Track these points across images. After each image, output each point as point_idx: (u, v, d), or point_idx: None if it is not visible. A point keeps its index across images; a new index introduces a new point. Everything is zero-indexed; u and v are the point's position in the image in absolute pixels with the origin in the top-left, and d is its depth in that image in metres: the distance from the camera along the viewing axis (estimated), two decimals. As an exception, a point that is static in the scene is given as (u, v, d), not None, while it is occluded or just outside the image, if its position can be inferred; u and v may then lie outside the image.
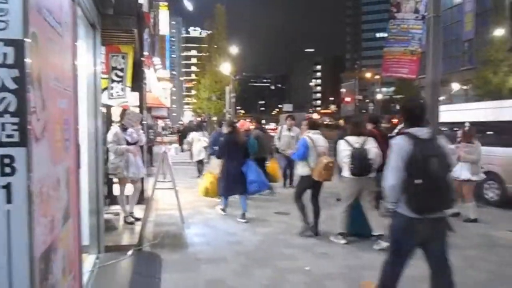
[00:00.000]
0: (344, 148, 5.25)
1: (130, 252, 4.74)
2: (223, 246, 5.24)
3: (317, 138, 5.83)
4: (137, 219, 5.83)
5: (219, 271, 4.36)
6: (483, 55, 33.68)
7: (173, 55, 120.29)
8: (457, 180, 6.69)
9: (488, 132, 9.17)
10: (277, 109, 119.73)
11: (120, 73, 5.78)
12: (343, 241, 5.36)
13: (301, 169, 5.88)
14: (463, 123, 7.61)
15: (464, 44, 45.49)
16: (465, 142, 6.81)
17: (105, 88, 5.69)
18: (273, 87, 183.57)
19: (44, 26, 1.96)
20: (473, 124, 9.27)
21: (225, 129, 7.26)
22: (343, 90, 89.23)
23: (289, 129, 9.46)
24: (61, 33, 2.30)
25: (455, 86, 39.01)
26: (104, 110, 5.80)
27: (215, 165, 7.60)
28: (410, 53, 10.69)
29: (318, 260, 4.71)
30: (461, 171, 6.70)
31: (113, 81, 5.81)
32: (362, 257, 4.82)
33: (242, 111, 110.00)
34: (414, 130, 3.12)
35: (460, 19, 45.80)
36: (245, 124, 8.78)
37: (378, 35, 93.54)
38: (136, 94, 7.04)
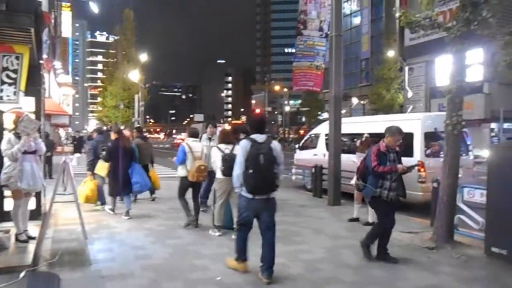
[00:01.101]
0: (216, 154, 6.18)
1: (22, 274, 4.26)
2: (130, 261, 4.97)
3: (195, 145, 6.87)
4: (31, 238, 5.25)
5: (125, 288, 4.13)
6: (377, 73, 37.20)
7: (76, 60, 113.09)
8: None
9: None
10: (188, 119, 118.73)
11: (12, 75, 5.23)
12: (218, 233, 6.23)
13: (180, 171, 6.85)
14: (362, 134, 8.26)
15: (362, 63, 49.84)
16: (362, 152, 7.40)
17: (-5, 91, 5.11)
18: (184, 97, 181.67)
19: None
20: (371, 135, 10.15)
21: (113, 136, 7.91)
22: (253, 101, 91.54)
23: (209, 138, 8.02)
24: None
25: (355, 101, 42.37)
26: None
27: (101, 168, 8.09)
28: (315, 68, 11.42)
29: (229, 270, 4.70)
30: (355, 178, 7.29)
31: (3, 83, 5.23)
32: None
33: (152, 120, 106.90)
34: (254, 136, 4.49)
35: (358, 39, 50.15)
36: (127, 133, 9.15)
37: (286, 50, 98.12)
38: (32, 99, 6.44)
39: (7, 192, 5.47)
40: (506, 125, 29.45)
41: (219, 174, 6.13)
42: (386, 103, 34.73)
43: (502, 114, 27.39)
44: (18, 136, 5.08)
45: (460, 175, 6.18)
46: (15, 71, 5.22)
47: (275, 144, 4.50)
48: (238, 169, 4.37)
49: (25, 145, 5.04)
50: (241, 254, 4.64)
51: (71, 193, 7.67)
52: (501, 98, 28.68)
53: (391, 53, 32.28)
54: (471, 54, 6.96)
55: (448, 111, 5.97)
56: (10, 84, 5.22)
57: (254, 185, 4.27)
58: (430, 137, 8.61)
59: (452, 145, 5.94)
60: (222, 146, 6.21)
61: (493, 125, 30.39)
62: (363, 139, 7.74)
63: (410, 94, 28.53)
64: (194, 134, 7.14)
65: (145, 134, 11.57)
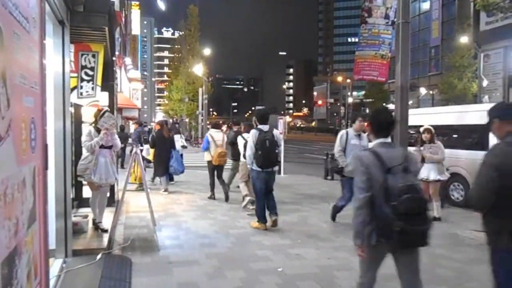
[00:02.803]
0: (240, 142, 7.54)
1: (99, 256, 4.61)
2: (195, 249, 5.18)
3: (216, 135, 8.46)
4: (104, 231, 5.43)
5: (191, 274, 4.31)
6: (448, 61, 34.91)
7: (144, 56, 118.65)
8: (425, 181, 6.89)
9: (454, 135, 9.51)
10: (250, 111, 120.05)
11: (90, 72, 5.62)
12: (252, 206, 7.16)
13: (206, 156, 8.56)
14: (434, 126, 7.83)
15: (431, 50, 47.06)
16: (428, 143, 7.04)
17: (74, 87, 5.51)
18: (246, 89, 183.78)
19: (10, 20, 1.88)
20: (439, 127, 9.60)
21: (156, 127, 10.28)
22: (315, 93, 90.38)
23: (358, 135, 6.65)
24: (28, 29, 2.21)
25: (423, 91, 40.23)
26: (72, 109, 5.64)
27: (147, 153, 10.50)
28: (380, 57, 10.96)
29: (290, 261, 4.73)
30: (429, 172, 6.90)
31: (82, 80, 5.63)
32: (337, 258, 4.88)
33: (215, 113, 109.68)
34: (261, 126, 6.20)
35: (428, 26, 47.38)
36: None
37: (349, 39, 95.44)
38: (106, 94, 6.88)
39: (84, 182, 5.87)
40: None
41: (242, 158, 7.51)
42: (458, 93, 32.50)
43: None
44: (98, 130, 5.39)
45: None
46: (92, 69, 5.61)
47: (276, 132, 6.40)
48: (249, 151, 6.11)
49: (103, 139, 5.34)
50: (262, 218, 6.18)
51: (141, 182, 8.14)
52: None
53: (464, 39, 30.09)
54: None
55: (530, 100, 5.47)
56: (88, 81, 5.62)
57: (263, 162, 5.99)
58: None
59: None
60: (245, 135, 7.41)
61: None
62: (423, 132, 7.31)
63: (485, 83, 26.47)
64: (216, 126, 8.93)
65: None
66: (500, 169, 2.41)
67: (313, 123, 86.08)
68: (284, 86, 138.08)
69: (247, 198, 7.51)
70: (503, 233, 2.47)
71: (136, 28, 28.92)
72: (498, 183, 2.39)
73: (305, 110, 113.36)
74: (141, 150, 9.23)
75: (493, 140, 8.09)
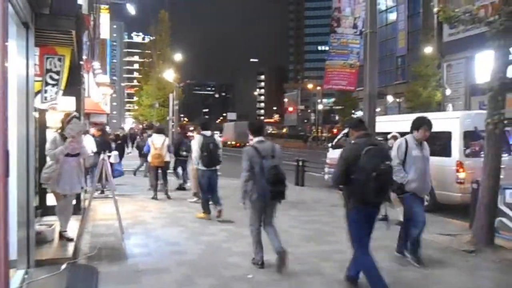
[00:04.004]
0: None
1: (63, 266, 4.46)
2: (165, 256, 5.10)
3: (157, 139, 9.29)
4: (69, 240, 5.23)
5: (160, 283, 4.23)
6: (414, 71, 36.09)
7: (114, 60, 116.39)
8: None
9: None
10: (221, 117, 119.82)
11: (55, 76, 5.43)
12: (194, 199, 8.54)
13: (149, 158, 9.45)
14: (400, 133, 8.05)
15: (398, 60, 48.52)
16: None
17: (39, 91, 5.33)
18: (217, 95, 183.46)
19: (-30, 21, 1.80)
20: (404, 134, 9.84)
21: (97, 133, 10.34)
22: (286, 100, 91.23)
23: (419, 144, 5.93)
24: (-11, 30, 2.13)
25: (390, 99, 41.37)
26: (37, 114, 5.45)
27: None
28: (349, 66, 11.25)
29: (261, 268, 4.72)
30: None
31: (47, 84, 5.44)
32: (307, 263, 4.92)
33: (186, 119, 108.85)
34: (204, 132, 7.23)
35: (394, 36, 48.86)
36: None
37: (319, 47, 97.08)
38: (73, 99, 6.70)
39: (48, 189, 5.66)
40: (553, 124, 27.89)
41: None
42: (423, 101, 33.66)
43: (549, 112, 25.96)
44: (63, 137, 5.17)
45: (502, 176, 5.92)
46: (57, 73, 5.43)
47: (217, 137, 7.68)
48: (195, 153, 7.25)
49: (69, 148, 5.13)
50: (207, 209, 7.25)
51: (109, 189, 7.95)
52: (547, 96, 27.19)
53: (428, 50, 31.22)
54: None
55: (489, 109, 5.73)
56: (53, 85, 5.43)
57: (208, 162, 7.02)
58: (470, 137, 8.30)
59: (493, 145, 5.70)
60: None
61: (539, 123, 28.87)
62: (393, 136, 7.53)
63: (448, 91, 27.49)
64: (159, 131, 9.84)
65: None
66: (346, 159, 3.82)
67: (284, 130, 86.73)
68: (256, 93, 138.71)
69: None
70: (350, 199, 3.86)
71: (105, 32, 28.28)
72: (345, 168, 3.80)
73: (276, 116, 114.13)
74: (109, 157, 9.01)
75: (455, 147, 8.37)
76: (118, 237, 5.82)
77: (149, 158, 9.35)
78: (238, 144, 48.40)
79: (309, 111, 74.67)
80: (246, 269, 4.66)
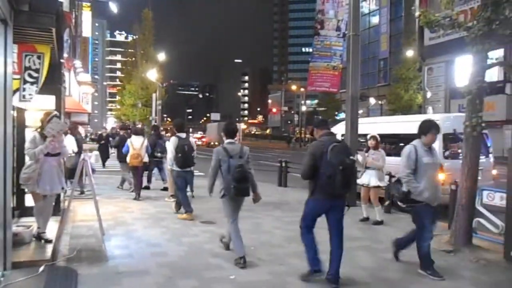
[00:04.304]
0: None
1: (41, 268, 4.37)
2: (146, 258, 5.04)
3: (135, 140, 9.32)
4: (48, 241, 5.13)
5: (141, 284, 4.19)
6: (396, 73, 36.67)
7: (96, 59, 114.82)
8: (366, 187, 7.35)
9: (400, 144, 9.95)
10: (205, 118, 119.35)
11: (34, 74, 5.31)
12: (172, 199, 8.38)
13: (127, 159, 9.38)
14: (381, 135, 8.17)
15: (380, 62, 49.22)
16: (372, 150, 7.37)
17: (17, 90, 5.21)
18: (201, 96, 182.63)
19: None
20: (387, 136, 10.01)
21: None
22: (270, 101, 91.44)
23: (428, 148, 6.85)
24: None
25: (372, 101, 41.91)
26: (15, 113, 5.33)
27: None
28: (332, 68, 11.35)
29: (243, 269, 4.72)
30: (369, 179, 7.27)
31: (25, 82, 5.32)
32: (289, 264, 4.94)
33: (169, 119, 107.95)
34: (179, 134, 7.44)
35: (377, 39, 49.58)
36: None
37: (304, 49, 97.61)
38: (53, 97, 6.57)
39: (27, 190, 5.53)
40: (528, 127, 28.69)
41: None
42: (405, 103, 34.23)
43: (525, 116, 26.69)
44: (43, 136, 5.06)
45: (479, 178, 6.05)
46: (37, 70, 5.31)
47: (191, 139, 7.96)
48: (170, 154, 7.47)
49: (49, 148, 5.02)
50: (188, 208, 7.29)
51: (89, 190, 7.83)
52: (524, 99, 27.94)
53: (410, 53, 31.78)
54: (492, 54, 6.81)
55: (468, 112, 5.86)
56: (32, 83, 5.30)
57: (182, 163, 7.21)
58: (449, 139, 8.46)
59: (472, 147, 5.83)
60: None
61: (515, 126, 29.66)
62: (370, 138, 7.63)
63: (429, 94, 28.06)
64: (137, 133, 9.78)
65: (162, 132, 13.13)
66: (314, 155, 4.21)
67: (268, 131, 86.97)
68: (240, 94, 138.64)
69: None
70: (311, 189, 4.31)
71: (87, 30, 27.85)
72: (312, 163, 4.19)
73: (260, 117, 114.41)
74: (89, 157, 8.89)
75: (435, 149, 8.54)
76: (99, 238, 5.72)
77: (128, 159, 9.32)
78: (221, 145, 48.28)
79: (292, 112, 74.99)
80: (229, 270, 4.65)
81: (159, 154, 10.11)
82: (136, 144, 9.31)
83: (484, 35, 5.63)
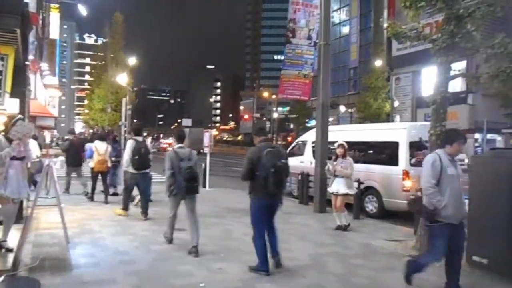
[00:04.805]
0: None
1: (1, 278, 4.17)
2: (113, 267, 4.91)
3: (99, 145, 9.48)
4: (9, 250, 4.98)
5: (107, 294, 4.07)
6: (365, 82, 37.59)
7: (64, 62, 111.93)
8: (335, 195, 7.45)
9: (369, 151, 10.19)
10: (176, 123, 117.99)
11: (-3, 76, 5.14)
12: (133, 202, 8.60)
13: (90, 164, 9.70)
14: (350, 142, 8.33)
15: (350, 71, 50.34)
16: (340, 158, 7.48)
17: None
18: (172, 101, 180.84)
19: None
20: (356, 143, 10.21)
21: None
22: (242, 107, 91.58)
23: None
24: None
25: (342, 109, 42.72)
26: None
27: None
28: (303, 76, 11.50)
29: (213, 276, 4.68)
30: (338, 187, 7.38)
31: (-12, 84, 5.13)
32: (256, 271, 4.92)
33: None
34: (136, 137, 7.79)
35: (347, 48, 50.71)
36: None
37: (276, 57, 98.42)
38: (17, 100, 6.34)
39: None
40: (489, 136, 29.95)
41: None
42: (373, 112, 35.08)
43: (486, 125, 27.90)
44: (9, 139, 4.87)
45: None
46: (0, 73, 5.13)
47: (148, 142, 8.52)
48: (126, 156, 7.64)
49: (15, 150, 4.85)
50: (127, 208, 7.88)
51: (54, 196, 7.57)
52: (484, 109, 29.17)
53: (378, 63, 32.67)
54: (455, 66, 7.10)
55: (432, 121, 6.06)
56: (-5, 86, 5.11)
57: (138, 165, 7.54)
58: (415, 147, 8.73)
59: (436, 155, 6.02)
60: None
61: (477, 135, 30.93)
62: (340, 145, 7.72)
63: (396, 103, 28.90)
64: (101, 138, 9.97)
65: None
66: (251, 159, 4.78)
67: (240, 137, 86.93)
68: (212, 100, 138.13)
69: (137, 197, 8.65)
70: (252, 190, 4.88)
71: (55, 32, 27.09)
72: (250, 167, 4.77)
73: (232, 123, 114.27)
74: (54, 163, 8.63)
75: (402, 156, 8.73)
76: (63, 246, 5.54)
77: (92, 164, 9.52)
78: (193, 151, 47.86)
79: (264, 119, 75.32)
80: (198, 278, 4.60)
81: (113, 159, 10.23)
82: (101, 149, 9.49)
83: (448, 47, 5.87)
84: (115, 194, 10.33)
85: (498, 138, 31.05)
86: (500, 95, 20.29)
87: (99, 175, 9.61)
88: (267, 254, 4.90)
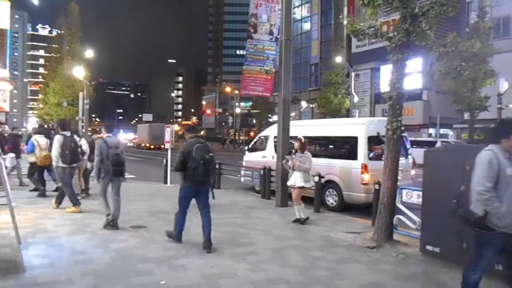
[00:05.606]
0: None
1: None
2: (69, 267, 4.73)
3: (41, 140, 9.47)
4: None
5: (63, 295, 3.92)
6: (325, 78, 38.26)
7: (15, 53, 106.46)
8: (293, 187, 7.61)
9: (329, 146, 10.40)
10: (137, 119, 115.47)
11: None
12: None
13: (29, 158, 9.96)
14: (312, 137, 8.45)
15: (311, 67, 51.07)
16: (300, 153, 7.59)
17: None
18: (132, 96, 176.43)
19: None
20: (317, 138, 10.38)
21: None
22: (204, 102, 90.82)
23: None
24: None
25: (304, 104, 43.29)
26: None
27: None
28: (265, 72, 11.54)
29: (175, 273, 4.62)
30: (295, 180, 7.51)
31: None
32: (220, 265, 4.92)
33: (98, 119, 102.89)
34: (64, 132, 7.93)
35: (308, 45, 51.36)
36: None
37: (238, 52, 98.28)
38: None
39: None
40: (442, 130, 31.49)
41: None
42: (334, 107, 35.80)
43: (439, 120, 29.26)
44: None
45: (399, 178, 6.49)
46: None
47: (77, 138, 8.70)
48: (55, 151, 7.76)
49: None
50: (76, 201, 7.90)
51: (3, 195, 7.18)
52: (438, 105, 30.60)
53: (339, 59, 33.34)
54: (411, 63, 7.36)
55: (389, 116, 6.26)
56: None
57: (70, 159, 7.79)
58: (373, 141, 8.99)
59: (392, 149, 6.24)
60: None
61: (431, 130, 32.39)
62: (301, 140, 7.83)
63: (356, 99, 29.64)
64: (40, 132, 9.88)
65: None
66: (183, 153, 5.54)
67: (202, 132, 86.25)
68: (173, 94, 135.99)
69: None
70: (186, 180, 5.62)
71: (5, 21, 25.62)
72: (183, 159, 5.52)
73: (194, 118, 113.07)
74: (4, 159, 8.19)
75: (360, 150, 8.98)
76: (15, 247, 5.28)
77: (34, 158, 9.54)
78: (152, 147, 46.94)
79: (227, 114, 75.13)
80: (159, 276, 4.52)
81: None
82: (43, 144, 9.51)
83: (403, 45, 6.07)
84: (56, 189, 9.89)
85: (450, 132, 32.70)
86: (451, 91, 21.32)
87: (44, 170, 9.62)
88: (183, 230, 5.89)
